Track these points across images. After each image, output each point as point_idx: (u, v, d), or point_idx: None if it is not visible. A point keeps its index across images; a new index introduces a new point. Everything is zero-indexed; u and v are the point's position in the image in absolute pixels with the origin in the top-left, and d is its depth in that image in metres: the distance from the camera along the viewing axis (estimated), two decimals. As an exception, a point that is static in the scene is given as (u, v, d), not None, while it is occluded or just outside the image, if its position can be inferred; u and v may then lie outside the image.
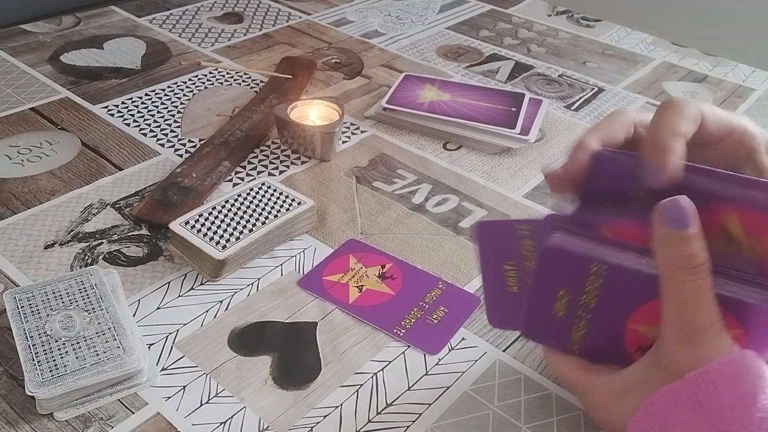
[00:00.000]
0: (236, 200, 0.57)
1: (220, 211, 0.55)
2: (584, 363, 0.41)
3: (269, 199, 0.57)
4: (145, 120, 0.72)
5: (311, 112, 0.69)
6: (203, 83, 0.79)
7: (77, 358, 0.43)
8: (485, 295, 0.45)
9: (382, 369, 0.48)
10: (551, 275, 0.40)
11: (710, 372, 0.33)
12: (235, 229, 0.54)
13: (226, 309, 0.51)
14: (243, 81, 0.81)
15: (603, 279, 0.38)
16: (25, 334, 0.45)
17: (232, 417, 0.44)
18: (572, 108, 0.80)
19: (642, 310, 0.38)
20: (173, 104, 0.75)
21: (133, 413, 0.43)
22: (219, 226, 0.54)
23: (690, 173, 0.38)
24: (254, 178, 0.65)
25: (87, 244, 0.56)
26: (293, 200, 0.58)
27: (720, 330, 0.35)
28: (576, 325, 0.40)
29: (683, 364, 0.34)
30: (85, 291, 0.48)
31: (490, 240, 0.44)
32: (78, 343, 0.44)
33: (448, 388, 0.46)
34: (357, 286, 0.54)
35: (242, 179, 0.65)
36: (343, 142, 0.71)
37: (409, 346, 0.49)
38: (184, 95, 0.77)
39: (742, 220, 0.37)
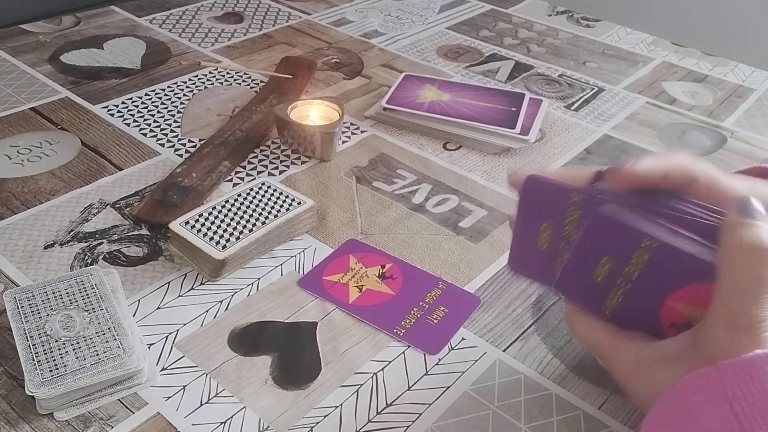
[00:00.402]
0: (236, 200, 0.57)
1: (220, 211, 0.55)
2: (612, 326, 0.41)
3: (269, 199, 0.57)
4: (145, 120, 0.72)
5: (311, 112, 0.69)
6: (203, 83, 0.79)
7: (77, 358, 0.43)
8: (513, 241, 0.45)
9: (382, 369, 0.48)
10: (599, 242, 0.40)
11: (741, 363, 0.32)
12: (235, 229, 0.54)
13: (226, 309, 0.51)
14: (243, 81, 0.81)
15: (651, 255, 0.39)
16: (25, 334, 0.45)
17: (232, 417, 0.44)
18: (572, 108, 0.80)
19: (685, 290, 0.38)
20: (173, 104, 0.75)
21: (133, 413, 0.43)
22: (219, 226, 0.54)
23: (682, 253, 0.38)
24: (254, 178, 0.65)
25: (87, 244, 0.56)
26: (293, 200, 0.58)
27: None
28: (613, 291, 0.40)
29: (722, 350, 0.34)
30: (85, 291, 0.48)
31: (536, 196, 0.43)
32: (78, 343, 0.44)
33: (448, 388, 0.46)
34: (357, 286, 0.54)
35: (242, 179, 0.65)
36: (343, 142, 0.71)
37: (409, 346, 0.49)
38: (184, 95, 0.77)
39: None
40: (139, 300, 0.51)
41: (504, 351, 0.49)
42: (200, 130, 0.71)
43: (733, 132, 0.78)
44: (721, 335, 0.35)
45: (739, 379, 0.32)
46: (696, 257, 0.38)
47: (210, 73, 0.82)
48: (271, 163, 0.67)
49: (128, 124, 0.71)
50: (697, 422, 0.33)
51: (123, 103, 0.75)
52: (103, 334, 0.45)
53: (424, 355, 0.49)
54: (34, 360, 0.43)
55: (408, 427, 0.44)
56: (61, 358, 0.43)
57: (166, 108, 0.74)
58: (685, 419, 0.34)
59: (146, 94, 0.77)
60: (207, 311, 0.51)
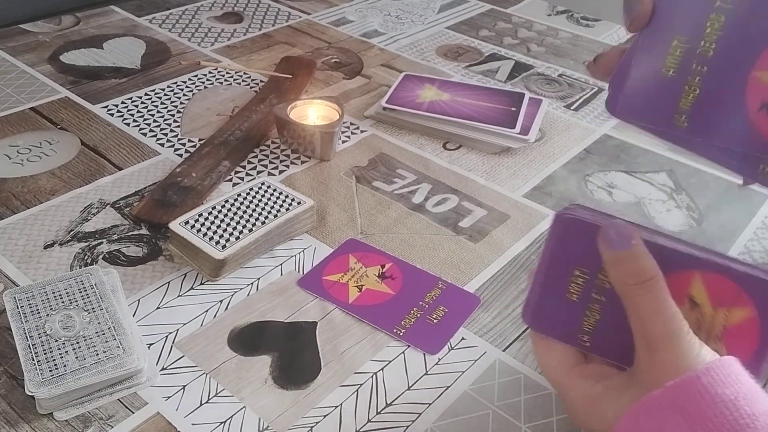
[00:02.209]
0: (236, 200, 0.57)
1: (219, 211, 0.55)
2: (570, 362, 0.40)
3: (269, 199, 0.57)
4: (144, 120, 0.72)
5: (311, 111, 0.69)
6: (203, 83, 0.79)
7: (77, 357, 0.43)
8: (533, 288, 0.40)
9: (382, 369, 0.48)
10: (567, 250, 0.38)
11: (689, 381, 0.33)
12: (234, 228, 0.54)
13: (226, 309, 0.51)
14: (243, 81, 0.81)
15: None
16: (25, 333, 0.45)
17: (231, 417, 0.44)
18: (572, 108, 0.80)
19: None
20: (173, 104, 0.75)
21: (133, 413, 0.43)
22: (219, 226, 0.54)
23: (652, 242, 0.37)
24: (254, 178, 0.65)
25: (87, 243, 0.56)
26: (293, 200, 0.58)
27: (684, 337, 0.35)
28: (589, 309, 0.39)
29: (654, 372, 0.35)
30: (85, 291, 0.48)
31: (572, 239, 0.38)
32: (78, 342, 0.44)
33: (448, 387, 0.47)
34: (357, 286, 0.54)
35: (242, 179, 0.65)
36: (343, 141, 0.71)
37: (408, 346, 0.49)
38: (184, 95, 0.77)
39: (705, 284, 0.37)
40: (138, 300, 0.51)
41: (504, 351, 0.49)
42: (200, 129, 0.71)
43: (733, 132, 0.78)
44: (646, 361, 0.36)
45: (690, 399, 0.33)
46: (660, 245, 0.37)
47: (210, 72, 0.82)
48: (270, 162, 0.67)
49: (128, 124, 0.71)
50: None
51: (123, 102, 0.75)
52: (103, 334, 0.45)
53: (424, 354, 0.49)
54: (33, 360, 0.43)
55: (408, 426, 0.44)
56: (61, 357, 0.43)
57: (166, 108, 0.74)
58: None
59: (146, 94, 0.77)
60: (207, 311, 0.51)
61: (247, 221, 0.55)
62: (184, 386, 0.45)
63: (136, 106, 0.74)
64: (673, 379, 0.34)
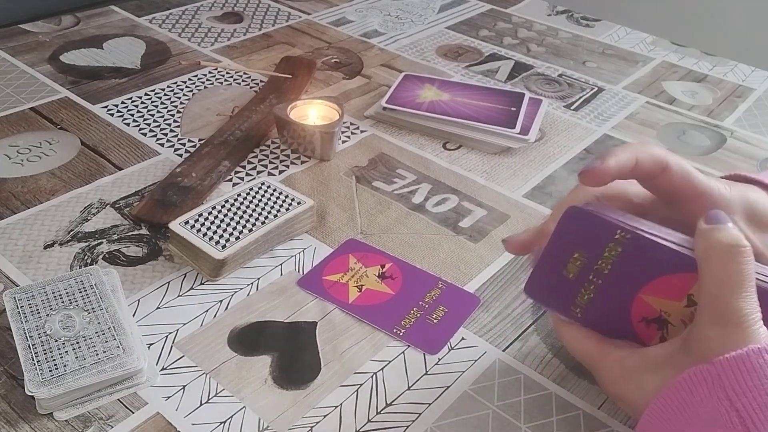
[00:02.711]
0: (236, 200, 0.57)
1: (219, 211, 0.55)
2: (598, 335, 0.41)
3: (269, 199, 0.57)
4: (144, 120, 0.72)
5: (311, 111, 0.69)
6: (203, 83, 0.79)
7: (77, 357, 0.43)
8: (536, 264, 0.43)
9: (382, 369, 0.48)
10: (571, 236, 0.41)
11: (738, 359, 0.33)
12: (234, 228, 0.54)
13: (226, 309, 0.51)
14: (243, 81, 0.81)
15: (623, 247, 0.39)
16: (25, 333, 0.45)
17: (231, 417, 0.44)
18: (572, 108, 0.80)
19: (656, 282, 0.39)
20: (173, 104, 0.75)
21: (133, 413, 0.43)
22: (219, 226, 0.54)
23: (663, 244, 0.39)
24: (254, 178, 0.65)
25: (87, 243, 0.56)
26: (293, 200, 0.58)
27: (757, 320, 0.34)
28: (585, 288, 0.40)
29: (713, 348, 0.34)
30: (85, 291, 0.48)
31: (578, 228, 0.41)
32: (78, 342, 0.44)
33: (448, 387, 0.46)
34: (357, 286, 0.54)
35: (242, 179, 0.65)
36: (343, 141, 0.71)
37: (408, 346, 0.49)
38: (184, 95, 0.77)
39: None
40: (138, 300, 0.51)
41: (504, 351, 0.49)
42: (200, 129, 0.71)
43: (733, 132, 0.78)
44: (711, 334, 0.35)
45: (737, 375, 0.33)
46: (669, 248, 0.38)
47: (210, 72, 0.82)
48: (270, 162, 0.67)
49: (128, 124, 0.71)
50: (697, 419, 0.33)
51: (123, 102, 0.75)
52: (103, 334, 0.45)
53: (424, 354, 0.49)
54: (33, 360, 0.43)
55: (408, 426, 0.44)
56: (61, 358, 0.43)
57: (166, 108, 0.74)
58: (684, 417, 0.34)
59: (146, 94, 0.77)
60: (207, 311, 0.51)
61: (247, 221, 0.55)
62: (184, 386, 0.45)
63: (136, 106, 0.74)
64: (723, 355, 0.33)
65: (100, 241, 0.56)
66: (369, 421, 0.44)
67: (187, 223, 0.54)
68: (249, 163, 0.67)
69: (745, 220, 0.43)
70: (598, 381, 0.42)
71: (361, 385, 0.46)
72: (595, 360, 0.41)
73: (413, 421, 0.44)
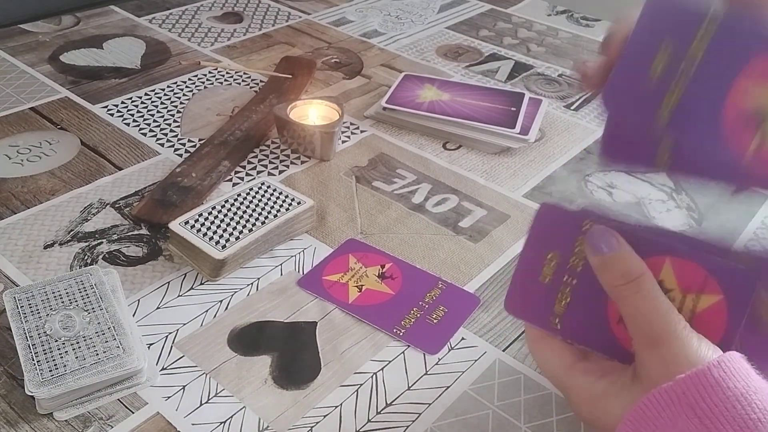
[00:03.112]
0: (236, 200, 0.57)
1: (219, 211, 0.55)
2: (570, 358, 0.41)
3: (269, 199, 0.57)
4: (144, 120, 0.72)
5: (311, 111, 0.69)
6: (203, 83, 0.79)
7: (77, 357, 0.43)
8: (514, 278, 0.42)
9: (382, 369, 0.48)
10: (544, 236, 0.40)
11: (699, 374, 0.33)
12: (234, 228, 0.54)
13: (226, 309, 0.51)
14: (243, 81, 0.81)
15: None
16: (25, 333, 0.45)
17: (231, 417, 0.44)
18: (572, 108, 0.80)
19: None
20: (173, 104, 0.75)
21: (133, 413, 0.43)
22: (219, 226, 0.54)
23: (622, 229, 0.38)
24: (254, 178, 0.65)
25: (87, 243, 0.56)
26: (293, 200, 0.58)
27: (682, 331, 0.35)
28: (560, 292, 0.40)
29: (656, 370, 0.35)
30: (85, 291, 0.48)
31: (549, 224, 0.40)
32: (78, 342, 0.44)
33: (448, 387, 0.46)
34: (357, 286, 0.54)
35: (242, 179, 0.65)
36: (343, 141, 0.71)
37: (408, 346, 0.49)
38: (184, 95, 0.77)
39: (675, 270, 0.38)
40: (138, 300, 0.51)
41: (504, 351, 0.49)
42: (200, 129, 0.71)
43: (733, 132, 0.78)
44: (646, 358, 0.36)
45: (701, 391, 0.33)
46: (633, 232, 0.38)
47: (210, 72, 0.82)
48: (270, 162, 0.67)
49: (128, 124, 0.71)
50: None
51: (123, 102, 0.75)
52: (103, 334, 0.45)
53: (424, 354, 0.49)
54: (33, 360, 0.43)
55: (408, 426, 0.44)
56: (61, 358, 0.43)
57: (166, 108, 0.74)
58: None
59: (146, 94, 0.77)
60: (207, 311, 0.51)
61: (247, 221, 0.55)
62: (184, 386, 0.45)
63: (136, 106, 0.74)
64: (684, 373, 0.33)
65: (100, 241, 0.56)
66: (369, 421, 0.44)
67: (187, 223, 0.54)
68: (249, 163, 0.67)
69: None
70: (569, 404, 0.41)
71: (361, 385, 0.46)
72: (563, 384, 0.41)
73: (413, 421, 0.44)
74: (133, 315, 0.50)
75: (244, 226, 0.54)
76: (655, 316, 0.36)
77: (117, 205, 0.60)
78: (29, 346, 0.44)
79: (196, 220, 0.54)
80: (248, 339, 0.49)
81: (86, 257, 0.55)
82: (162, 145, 0.68)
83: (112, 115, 0.73)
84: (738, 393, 0.32)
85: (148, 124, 0.71)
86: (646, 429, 0.35)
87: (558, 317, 0.40)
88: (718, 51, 0.35)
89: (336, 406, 0.45)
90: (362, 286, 0.54)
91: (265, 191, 0.58)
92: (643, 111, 0.38)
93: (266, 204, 0.57)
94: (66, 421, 0.43)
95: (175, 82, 0.79)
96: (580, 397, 0.39)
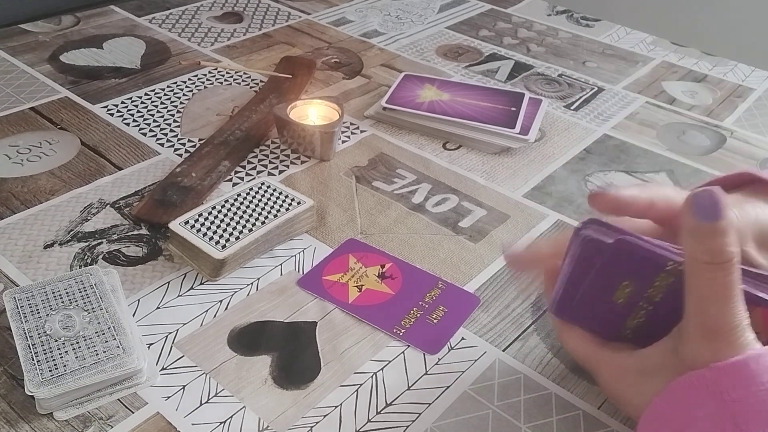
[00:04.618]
0: (236, 200, 0.57)
1: (219, 211, 0.55)
2: (598, 339, 0.41)
3: (269, 199, 0.57)
4: (144, 120, 0.72)
5: (311, 111, 0.69)
6: (203, 83, 0.79)
7: (77, 357, 0.43)
8: (564, 287, 0.41)
9: (382, 369, 0.48)
10: (620, 267, 0.39)
11: (736, 365, 0.33)
12: (234, 228, 0.54)
13: (226, 309, 0.51)
14: (242, 81, 0.81)
15: (675, 278, 0.37)
16: (25, 333, 0.45)
17: (231, 417, 0.44)
18: (572, 108, 0.80)
19: None
20: (173, 104, 0.75)
21: (133, 413, 0.43)
22: (219, 226, 0.54)
23: None
24: (254, 178, 0.65)
25: (86, 243, 0.56)
26: (293, 200, 0.58)
27: (745, 329, 0.34)
28: (635, 312, 0.40)
29: (704, 359, 0.34)
30: (85, 291, 0.48)
31: (626, 257, 0.39)
32: (78, 342, 0.44)
33: (448, 387, 0.46)
34: (357, 286, 0.54)
35: (242, 179, 0.65)
36: (343, 141, 0.71)
37: (408, 346, 0.49)
38: (184, 95, 0.77)
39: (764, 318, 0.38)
40: (138, 300, 0.51)
41: (503, 351, 0.49)
42: (200, 129, 0.71)
43: (733, 132, 0.78)
44: (698, 346, 0.35)
45: (734, 381, 0.32)
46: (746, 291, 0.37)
47: (210, 72, 0.82)
48: (270, 162, 0.67)
49: (128, 124, 0.71)
50: (693, 424, 0.33)
51: (123, 102, 0.75)
52: (103, 334, 0.45)
53: (424, 354, 0.49)
54: (33, 360, 0.43)
55: (408, 426, 0.44)
56: (61, 357, 0.43)
57: (166, 108, 0.74)
58: (681, 420, 0.34)
59: (146, 94, 0.77)
60: (207, 311, 0.51)
61: (247, 221, 0.55)
62: (184, 386, 0.45)
63: (136, 106, 0.74)
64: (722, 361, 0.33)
65: (100, 241, 0.56)
66: (369, 421, 0.44)
67: (187, 223, 0.54)
68: (249, 163, 0.67)
69: (756, 245, 0.40)
70: (598, 383, 0.42)
71: (361, 385, 0.46)
72: (594, 363, 0.41)
73: (413, 421, 0.44)
74: (133, 315, 0.50)
75: (244, 226, 0.54)
76: (727, 309, 0.34)
77: (117, 205, 0.60)
78: (29, 346, 0.44)
79: (196, 220, 0.54)
80: (248, 339, 0.49)
81: (86, 257, 0.55)
82: (162, 145, 0.68)
83: (112, 115, 0.73)
84: None
85: (148, 124, 0.71)
86: (672, 409, 0.34)
87: (630, 329, 0.41)
88: (675, 296, 0.37)
89: (336, 406, 0.45)
90: (362, 286, 0.54)
91: (265, 191, 0.58)
92: (603, 326, 0.41)
93: (266, 204, 0.57)
94: (66, 421, 0.43)
95: (175, 82, 0.79)
96: (611, 374, 0.39)
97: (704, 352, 0.34)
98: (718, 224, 0.34)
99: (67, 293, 0.48)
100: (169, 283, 0.53)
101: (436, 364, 0.48)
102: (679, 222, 0.37)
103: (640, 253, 0.38)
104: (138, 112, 0.73)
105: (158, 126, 0.71)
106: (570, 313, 0.43)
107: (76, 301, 0.47)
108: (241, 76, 0.81)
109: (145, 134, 0.70)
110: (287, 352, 0.48)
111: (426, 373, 0.47)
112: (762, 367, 0.32)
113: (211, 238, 0.53)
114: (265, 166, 0.66)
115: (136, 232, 0.57)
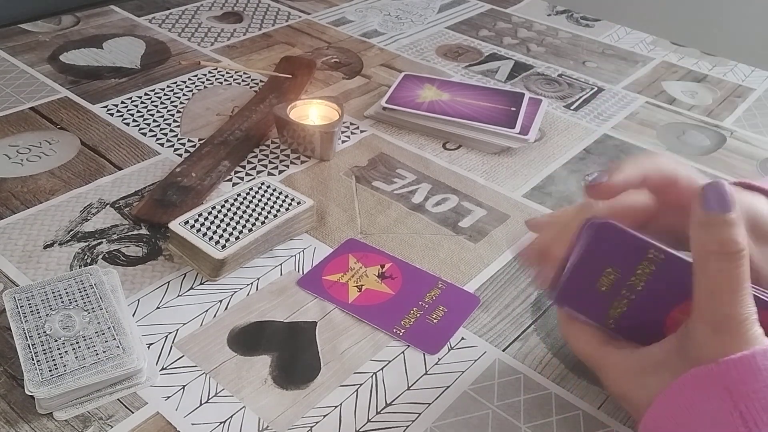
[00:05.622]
0: (236, 200, 0.57)
1: (219, 211, 0.55)
2: (602, 336, 0.41)
3: (269, 199, 0.57)
4: (144, 119, 0.72)
5: (311, 111, 0.69)
6: (203, 83, 0.79)
7: (77, 357, 0.43)
8: (567, 275, 0.42)
9: (382, 369, 0.48)
10: (605, 252, 0.40)
11: (744, 360, 0.32)
12: (234, 228, 0.54)
13: (226, 309, 0.51)
14: (242, 80, 0.81)
15: (656, 266, 0.39)
16: (25, 333, 0.45)
17: (231, 416, 0.44)
18: (572, 108, 0.80)
19: (690, 303, 0.38)
20: (173, 104, 0.75)
21: (133, 413, 0.43)
22: (218, 226, 0.54)
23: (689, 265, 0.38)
24: (254, 178, 0.65)
25: (86, 243, 0.56)
26: (293, 200, 0.58)
27: (753, 323, 0.34)
28: (617, 301, 0.41)
29: (712, 353, 0.34)
30: (85, 291, 0.48)
31: (610, 243, 0.40)
32: (77, 342, 0.44)
33: (448, 387, 0.47)
34: (356, 286, 0.54)
35: (242, 179, 0.65)
36: (343, 141, 0.71)
37: (408, 346, 0.49)
38: (184, 95, 0.77)
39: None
40: (138, 300, 0.51)
41: (503, 351, 0.49)
42: (200, 129, 0.71)
43: (733, 132, 0.78)
44: (706, 338, 0.34)
45: (742, 376, 0.32)
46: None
47: (209, 72, 0.82)
48: (270, 162, 0.67)
49: (128, 124, 0.71)
50: (700, 418, 0.33)
51: (122, 102, 0.75)
52: (103, 334, 0.45)
53: (424, 354, 0.49)
54: (33, 360, 0.43)
55: (407, 426, 0.44)
56: (61, 357, 0.43)
57: (166, 108, 0.74)
58: (687, 416, 0.34)
59: (146, 94, 0.77)
60: (206, 311, 0.51)
61: (247, 221, 0.55)
62: (184, 386, 0.45)
63: (136, 105, 0.74)
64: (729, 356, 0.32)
65: (100, 241, 0.56)
66: (369, 421, 0.44)
67: (186, 222, 0.54)
68: (249, 163, 0.67)
69: (749, 231, 0.40)
70: (601, 381, 0.42)
71: (361, 385, 0.46)
72: (597, 360, 0.41)
73: (413, 421, 0.44)
74: (133, 315, 0.50)
75: (243, 226, 0.54)
76: (736, 300, 0.33)
77: (117, 205, 0.60)
78: (29, 346, 0.44)
79: (196, 220, 0.54)
80: (248, 339, 0.49)
81: (86, 257, 0.55)
82: (162, 145, 0.68)
83: (111, 114, 0.73)
84: None
85: (148, 124, 0.71)
86: (677, 405, 0.34)
87: (613, 319, 0.41)
88: (656, 287, 0.39)
89: (336, 406, 0.45)
90: (362, 286, 0.54)
91: (265, 191, 0.58)
92: (592, 314, 0.42)
93: (266, 204, 0.57)
94: (66, 420, 0.43)
95: (175, 82, 0.79)
96: (614, 372, 0.39)
97: (712, 345, 0.34)
98: (728, 215, 0.34)
99: (67, 293, 0.48)
100: (168, 283, 0.53)
101: (436, 364, 0.48)
102: (673, 194, 0.39)
103: (623, 237, 0.40)
104: (138, 112, 0.73)
105: (158, 126, 0.71)
106: (568, 302, 0.43)
107: (75, 301, 0.47)
108: (240, 76, 0.81)
109: (145, 134, 0.70)
110: (287, 352, 0.48)
111: (426, 373, 0.47)
112: None
113: (210, 238, 0.53)
114: (265, 166, 0.66)
115: (135, 232, 0.57)
